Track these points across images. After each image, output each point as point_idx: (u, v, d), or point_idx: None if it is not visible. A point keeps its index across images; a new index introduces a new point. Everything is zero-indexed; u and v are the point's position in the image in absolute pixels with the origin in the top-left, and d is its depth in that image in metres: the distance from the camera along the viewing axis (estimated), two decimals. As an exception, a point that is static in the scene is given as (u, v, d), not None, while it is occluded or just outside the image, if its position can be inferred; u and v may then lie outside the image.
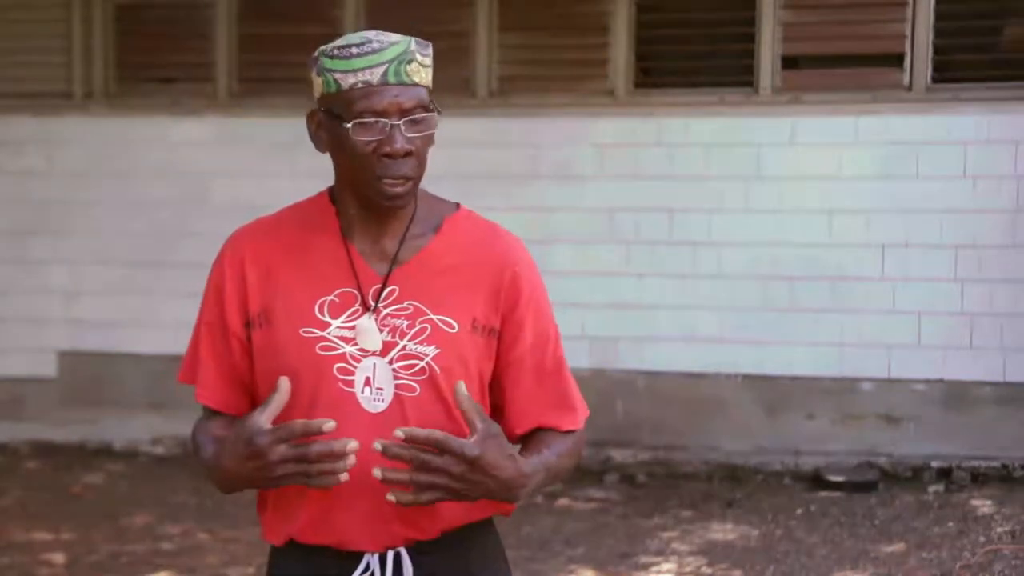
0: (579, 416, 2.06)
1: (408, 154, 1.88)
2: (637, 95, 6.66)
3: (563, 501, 5.97)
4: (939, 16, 6.29)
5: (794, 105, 6.47)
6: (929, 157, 6.31)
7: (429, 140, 1.93)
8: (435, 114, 1.92)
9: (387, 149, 1.87)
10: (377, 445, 1.79)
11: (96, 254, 7.13)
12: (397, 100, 1.87)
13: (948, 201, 6.29)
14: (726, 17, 6.64)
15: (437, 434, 1.79)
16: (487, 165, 6.64)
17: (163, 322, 6.76)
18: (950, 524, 5.45)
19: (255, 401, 2.00)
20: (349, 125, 1.87)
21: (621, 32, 6.60)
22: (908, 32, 6.32)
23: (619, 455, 6.38)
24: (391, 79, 1.87)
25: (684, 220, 6.54)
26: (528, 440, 2.03)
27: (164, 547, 5.38)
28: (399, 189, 1.90)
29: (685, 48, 6.75)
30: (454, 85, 6.52)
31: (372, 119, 1.87)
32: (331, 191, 2.02)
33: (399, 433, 1.79)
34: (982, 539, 5.23)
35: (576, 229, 6.63)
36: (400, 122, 1.87)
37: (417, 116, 1.89)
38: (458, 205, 2.05)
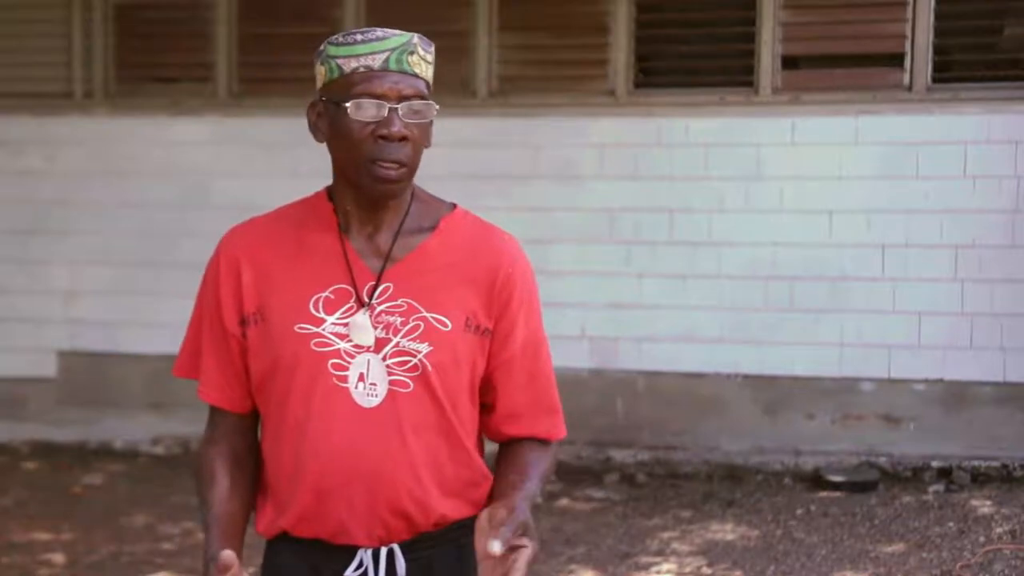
0: (563, 421, 2.10)
1: (404, 139, 1.89)
2: (637, 95, 6.65)
3: (563, 501, 5.97)
4: (939, 16, 6.29)
5: (794, 105, 6.47)
6: (929, 157, 6.30)
7: (426, 130, 1.94)
8: (433, 104, 1.93)
9: (383, 131, 1.88)
10: (496, 548, 1.74)
11: (96, 254, 7.13)
12: (397, 86, 1.89)
13: (948, 201, 6.29)
14: (726, 17, 6.64)
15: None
16: (487, 165, 6.64)
17: (163, 322, 6.75)
18: (950, 524, 5.44)
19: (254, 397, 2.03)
20: (348, 104, 1.88)
21: (621, 32, 6.60)
22: (908, 32, 6.32)
23: (619, 455, 6.37)
24: (392, 66, 1.89)
25: (684, 220, 6.54)
26: (511, 453, 2.05)
27: (164, 547, 5.38)
28: (392, 173, 1.90)
29: (685, 48, 6.75)
30: (454, 85, 6.52)
31: (371, 100, 1.88)
32: (329, 190, 2.03)
33: (496, 548, 1.75)
34: (982, 539, 5.22)
35: (576, 229, 6.63)
36: (398, 106, 1.89)
37: (415, 104, 1.90)
38: (454, 205, 2.06)
